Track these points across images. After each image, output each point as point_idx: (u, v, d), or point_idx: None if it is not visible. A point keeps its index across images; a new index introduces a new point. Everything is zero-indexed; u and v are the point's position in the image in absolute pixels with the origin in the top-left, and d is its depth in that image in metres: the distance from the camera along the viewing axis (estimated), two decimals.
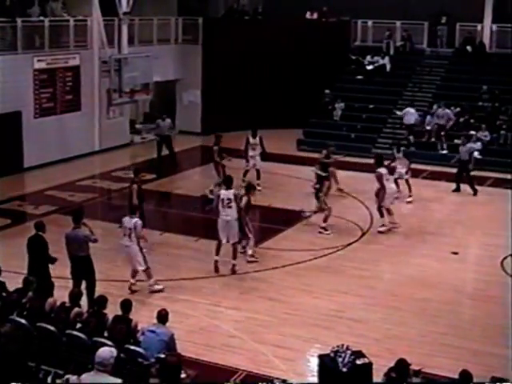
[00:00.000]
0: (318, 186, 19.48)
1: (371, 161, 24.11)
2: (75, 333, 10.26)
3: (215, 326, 13.55)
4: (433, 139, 27.22)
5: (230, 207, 15.56)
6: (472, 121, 27.30)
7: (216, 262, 15.87)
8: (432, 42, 31.85)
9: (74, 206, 20.11)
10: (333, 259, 17.19)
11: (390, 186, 19.19)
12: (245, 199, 16.48)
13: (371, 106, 29.64)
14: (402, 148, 22.17)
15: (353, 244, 18.25)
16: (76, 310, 10.82)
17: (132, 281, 14.99)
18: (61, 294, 11.94)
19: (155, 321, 10.65)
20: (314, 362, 11.35)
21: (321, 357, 10.58)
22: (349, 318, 13.92)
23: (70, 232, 13.65)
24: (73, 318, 10.69)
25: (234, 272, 15.89)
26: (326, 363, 10.28)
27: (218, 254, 15.92)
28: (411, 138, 27.55)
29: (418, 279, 16.10)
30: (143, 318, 11.26)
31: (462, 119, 27.46)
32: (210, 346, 12.72)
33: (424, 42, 31.99)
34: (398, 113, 28.58)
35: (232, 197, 15.63)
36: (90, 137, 27.38)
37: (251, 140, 22.70)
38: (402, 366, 9.34)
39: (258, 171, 22.80)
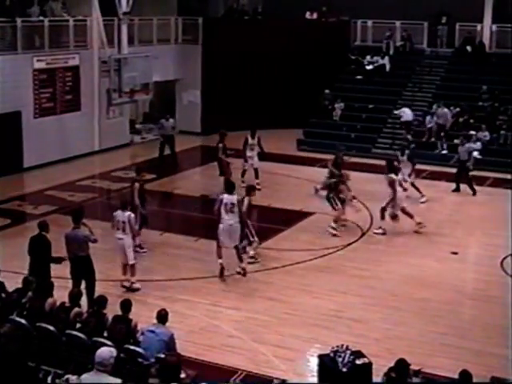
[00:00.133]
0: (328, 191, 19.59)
1: (371, 161, 24.28)
2: (75, 333, 10.25)
3: (215, 326, 13.54)
4: (433, 139, 27.22)
5: (232, 212, 15.44)
6: (472, 121, 27.30)
7: (222, 265, 15.59)
8: (432, 41, 31.85)
9: (73, 205, 20.09)
10: (333, 259, 17.19)
11: (398, 189, 19.15)
12: (246, 200, 16.50)
13: (371, 106, 29.65)
14: (407, 151, 22.07)
15: (353, 244, 18.25)
16: (76, 310, 10.82)
17: (123, 277, 14.99)
18: (60, 294, 11.91)
19: (155, 321, 10.64)
20: (313, 362, 11.35)
21: (320, 357, 10.59)
22: (349, 318, 13.91)
23: (69, 232, 13.64)
24: (72, 317, 10.69)
25: (244, 274, 15.76)
26: (326, 363, 10.29)
27: (221, 257, 15.72)
28: (408, 136, 27.52)
29: (417, 279, 16.10)
30: (143, 318, 11.24)
31: (461, 119, 27.46)
32: (209, 345, 12.71)
33: (424, 41, 31.99)
34: (395, 112, 28.62)
35: (235, 202, 15.54)
36: (90, 137, 27.39)
37: (250, 140, 22.75)
38: (401, 365, 9.33)
39: (256, 170, 22.85)
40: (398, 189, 19.05)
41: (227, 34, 31.12)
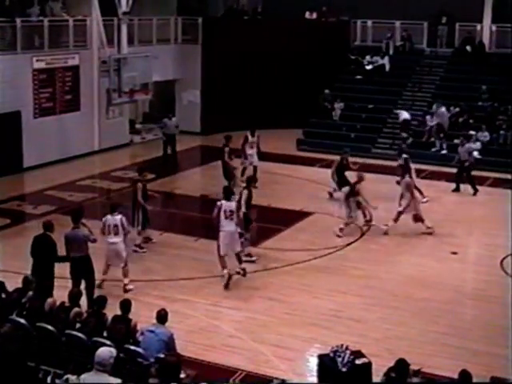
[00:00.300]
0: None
1: (371, 161, 24.28)
2: (75, 333, 10.24)
3: (215, 326, 13.55)
4: (432, 139, 27.22)
5: (232, 219, 15.34)
6: (471, 121, 27.30)
7: (229, 275, 15.33)
8: (431, 41, 31.84)
9: (73, 205, 20.09)
10: (332, 259, 17.19)
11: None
12: (245, 193, 16.51)
13: (370, 106, 29.65)
14: (404, 155, 22.13)
15: (352, 244, 18.25)
16: (75, 309, 10.80)
17: (125, 281, 15.01)
18: (60, 294, 11.93)
19: (154, 321, 10.64)
20: (313, 362, 11.36)
21: (320, 357, 10.59)
22: (348, 318, 13.92)
23: (69, 232, 13.62)
24: (72, 317, 10.68)
25: (244, 274, 15.64)
26: (326, 363, 10.29)
27: (225, 266, 15.43)
28: (403, 134, 27.59)
29: (417, 279, 16.10)
30: (143, 318, 11.24)
31: (461, 119, 27.46)
32: (209, 345, 12.71)
33: (423, 41, 31.97)
34: (396, 111, 28.66)
35: (234, 208, 15.49)
36: (90, 137, 27.38)
37: (250, 138, 22.85)
38: (401, 365, 9.33)
39: (255, 168, 22.90)
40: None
41: (227, 34, 31.10)
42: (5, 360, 8.51)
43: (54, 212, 20.02)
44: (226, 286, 15.25)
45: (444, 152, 26.63)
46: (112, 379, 8.02)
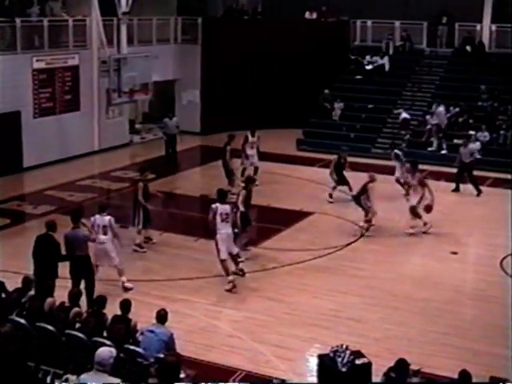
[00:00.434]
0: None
1: (370, 161, 24.26)
2: (74, 333, 10.24)
3: (214, 326, 13.55)
4: (432, 139, 27.22)
5: (227, 221, 15.26)
6: (471, 121, 27.30)
7: (233, 284, 15.19)
8: (431, 41, 31.83)
9: (73, 205, 20.09)
10: (332, 259, 17.19)
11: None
12: (243, 193, 16.53)
13: (370, 106, 29.66)
14: (395, 150, 22.46)
15: (352, 244, 18.25)
16: (75, 309, 10.80)
17: (123, 279, 14.99)
18: (60, 294, 11.92)
19: (154, 321, 10.63)
20: (313, 362, 11.35)
21: (320, 357, 10.57)
22: (348, 318, 13.91)
23: (69, 232, 13.61)
24: (72, 317, 10.67)
25: (243, 274, 15.59)
26: (326, 363, 10.27)
27: (229, 273, 15.33)
28: (403, 132, 27.65)
29: (417, 279, 16.11)
30: (142, 318, 11.23)
31: (461, 119, 27.47)
32: (209, 345, 12.72)
33: (423, 41, 31.97)
34: (395, 111, 28.68)
35: (229, 211, 15.39)
36: (90, 137, 27.38)
37: (250, 138, 22.87)
38: (401, 365, 9.34)
39: (255, 168, 22.98)
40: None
41: (227, 34, 31.10)
42: (5, 360, 8.50)
43: (53, 212, 20.01)
44: (243, 275, 15.38)
45: (444, 152, 26.63)
46: (112, 379, 8.01)
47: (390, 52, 31.62)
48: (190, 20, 31.40)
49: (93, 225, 14.68)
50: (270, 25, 31.90)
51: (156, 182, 23.01)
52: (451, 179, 23.00)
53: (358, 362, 10.15)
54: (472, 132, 26.32)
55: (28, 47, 24.83)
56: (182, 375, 9.43)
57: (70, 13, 27.05)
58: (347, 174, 21.75)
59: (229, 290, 15.12)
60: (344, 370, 10.00)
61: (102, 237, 14.61)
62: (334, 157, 21.80)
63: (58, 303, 11.02)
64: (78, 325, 10.59)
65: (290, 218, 20.22)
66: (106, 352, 8.15)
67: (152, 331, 10.39)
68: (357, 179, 22.84)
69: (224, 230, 15.19)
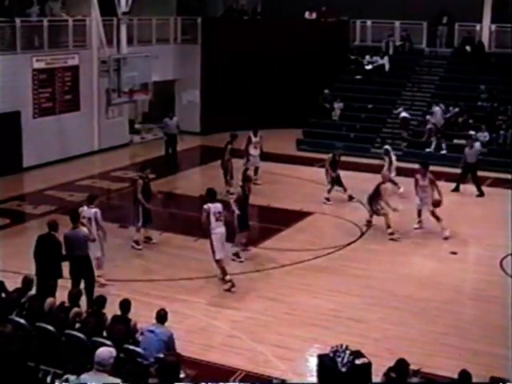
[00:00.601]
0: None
1: (370, 161, 24.26)
2: (74, 333, 10.25)
3: (214, 326, 13.55)
4: (432, 139, 27.22)
5: (221, 220, 15.22)
6: (471, 121, 27.29)
7: (232, 282, 15.19)
8: (431, 41, 31.82)
9: (73, 205, 20.06)
10: (332, 259, 17.18)
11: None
12: (238, 191, 16.57)
13: (370, 106, 29.65)
14: (385, 146, 22.80)
15: (352, 244, 18.24)
16: (75, 309, 10.80)
17: (99, 273, 14.85)
18: (60, 294, 11.93)
19: (154, 321, 10.63)
20: (313, 362, 11.35)
21: (320, 357, 10.58)
22: (348, 318, 13.91)
23: (69, 232, 13.62)
24: (72, 317, 10.68)
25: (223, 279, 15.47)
26: (325, 363, 10.28)
27: (227, 272, 15.32)
28: (404, 133, 27.68)
29: (417, 279, 16.10)
30: (142, 318, 11.23)
31: (460, 119, 27.46)
32: (209, 345, 12.71)
33: (423, 41, 31.96)
34: (395, 111, 28.69)
35: (221, 209, 15.33)
36: (89, 137, 27.38)
37: (253, 139, 22.87)
38: (401, 365, 9.33)
39: (256, 168, 23.03)
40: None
41: (226, 34, 31.08)
42: (5, 360, 8.51)
43: (53, 212, 20.01)
44: (228, 291, 15.20)
45: (443, 152, 26.62)
46: (112, 379, 8.01)
47: (390, 52, 31.60)
48: (190, 20, 31.39)
49: (80, 215, 14.68)
50: (269, 25, 31.89)
51: (156, 182, 23.00)
52: (451, 179, 22.98)
53: (357, 361, 10.16)
54: (472, 132, 26.30)
55: (28, 47, 24.82)
56: (182, 375, 9.45)
57: (69, 13, 27.05)
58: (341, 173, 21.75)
59: (228, 290, 15.11)
60: (344, 370, 10.01)
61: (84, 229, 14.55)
62: (329, 155, 21.74)
63: (57, 303, 11.03)
64: (77, 325, 10.59)
65: (290, 218, 20.22)
66: (106, 352, 8.16)
67: (152, 331, 10.39)
68: (356, 179, 23.00)
69: (218, 230, 15.15)
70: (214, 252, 15.16)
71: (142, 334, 10.48)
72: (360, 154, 26.06)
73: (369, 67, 31.23)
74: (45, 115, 25.41)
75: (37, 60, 24.98)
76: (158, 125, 29.09)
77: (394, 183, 21.84)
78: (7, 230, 19.01)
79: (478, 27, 30.61)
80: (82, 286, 13.35)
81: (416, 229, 19.07)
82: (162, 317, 10.63)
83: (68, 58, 26.22)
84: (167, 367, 8.35)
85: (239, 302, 14.66)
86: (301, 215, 20.44)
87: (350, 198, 21.59)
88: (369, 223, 19.14)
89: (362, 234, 18.92)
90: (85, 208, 14.88)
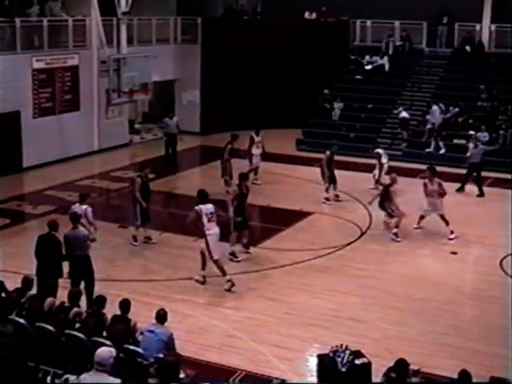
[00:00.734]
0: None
1: (370, 161, 24.21)
2: (74, 333, 10.24)
3: (214, 326, 13.54)
4: (431, 139, 27.22)
5: (214, 221, 15.18)
6: (471, 121, 27.29)
7: (232, 282, 15.17)
8: (431, 41, 31.81)
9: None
10: (332, 259, 17.18)
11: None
12: (234, 190, 16.59)
13: (370, 106, 29.65)
14: (377, 150, 22.70)
15: (352, 244, 18.23)
16: (75, 309, 10.80)
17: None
18: (60, 294, 11.93)
19: (154, 321, 10.63)
20: (313, 362, 11.35)
21: (320, 356, 10.58)
22: (348, 318, 13.91)
23: (69, 232, 13.61)
24: (72, 317, 10.67)
25: (203, 282, 15.31)
26: (325, 363, 10.28)
27: (226, 272, 15.25)
28: (405, 133, 27.68)
29: (417, 279, 16.10)
30: (142, 318, 11.22)
31: (460, 119, 27.46)
32: (208, 345, 12.71)
33: (423, 41, 31.96)
34: (394, 111, 28.70)
35: (213, 210, 15.28)
36: (89, 137, 27.39)
37: (256, 138, 22.89)
38: (401, 365, 9.32)
39: (256, 168, 23.15)
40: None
41: (226, 34, 31.10)
42: (6, 360, 8.50)
43: (53, 212, 20.00)
44: (203, 283, 15.20)
45: (442, 151, 26.58)
46: (112, 379, 8.01)
47: (390, 52, 31.61)
48: (190, 20, 31.40)
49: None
50: (269, 25, 31.89)
51: (156, 182, 23.02)
52: (451, 179, 22.95)
53: (357, 361, 10.17)
54: (472, 132, 26.29)
55: (28, 47, 24.82)
56: (182, 375, 9.45)
57: (69, 13, 27.05)
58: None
59: (228, 290, 15.11)
60: (344, 369, 10.01)
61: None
62: (326, 153, 21.72)
63: (57, 303, 11.02)
64: (77, 325, 10.59)
65: (290, 217, 20.22)
66: (106, 352, 8.15)
67: (152, 331, 10.38)
68: (356, 179, 23.00)
69: (212, 231, 15.12)
70: (210, 253, 15.13)
71: (141, 333, 10.47)
72: (360, 153, 26.04)
73: (369, 67, 31.25)
74: (45, 115, 25.41)
75: (37, 60, 24.98)
76: (157, 125, 29.13)
77: (381, 184, 21.95)
78: (7, 230, 19.01)
79: (477, 27, 30.62)
80: (82, 286, 13.35)
81: (416, 228, 19.03)
82: (161, 317, 10.62)
83: (68, 58, 26.23)
84: (167, 367, 8.35)
85: (239, 302, 14.66)
86: (301, 215, 20.44)
87: (336, 197, 21.62)
88: (387, 224, 18.97)
89: (362, 233, 18.93)
90: (76, 205, 14.95)
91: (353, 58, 31.82)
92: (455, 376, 9.21)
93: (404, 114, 27.90)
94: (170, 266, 16.48)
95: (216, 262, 15.20)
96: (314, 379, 10.74)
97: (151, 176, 21.56)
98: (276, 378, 10.83)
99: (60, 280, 13.14)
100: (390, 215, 18.64)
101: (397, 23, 31.95)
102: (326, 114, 29.90)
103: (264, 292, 15.15)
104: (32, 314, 10.71)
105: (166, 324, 10.61)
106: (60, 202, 21.08)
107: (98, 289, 13.56)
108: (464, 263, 17.65)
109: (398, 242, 18.31)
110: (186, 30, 31.53)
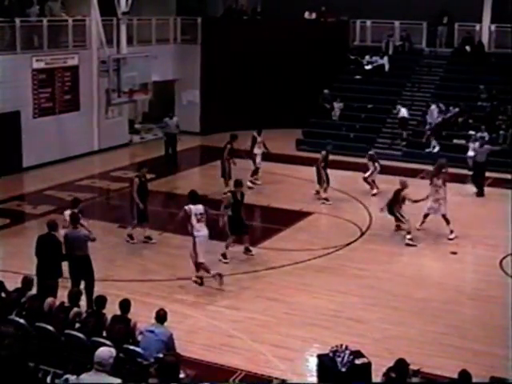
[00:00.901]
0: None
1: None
2: (74, 333, 10.24)
3: (214, 326, 13.53)
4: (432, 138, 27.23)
5: (203, 221, 15.20)
6: (471, 121, 27.29)
7: (218, 274, 15.26)
8: (431, 41, 31.81)
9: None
10: (332, 259, 17.18)
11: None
12: (227, 196, 16.70)
13: (370, 106, 29.65)
14: (370, 152, 22.68)
15: (352, 244, 18.23)
16: (75, 309, 10.80)
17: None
18: (60, 294, 11.93)
19: (154, 321, 10.63)
20: (313, 362, 11.36)
21: (320, 356, 10.59)
22: (348, 318, 13.91)
23: (69, 232, 13.61)
24: (72, 317, 10.67)
25: (201, 283, 15.37)
26: (325, 363, 10.29)
27: (209, 268, 15.31)
28: (404, 133, 27.67)
29: (417, 279, 16.10)
30: (142, 318, 11.22)
31: (460, 119, 27.46)
32: (208, 345, 12.70)
33: (423, 41, 31.95)
34: (394, 111, 28.70)
35: (203, 211, 15.29)
36: (89, 137, 27.39)
37: (258, 138, 22.94)
38: (401, 365, 9.32)
39: (257, 168, 23.08)
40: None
41: (226, 34, 31.11)
42: (6, 360, 8.50)
43: (53, 212, 19.99)
44: (221, 284, 15.21)
45: (435, 150, 26.33)
46: (112, 379, 8.01)
47: (390, 52, 31.60)
48: (190, 20, 31.40)
49: (65, 218, 14.78)
50: (269, 25, 31.88)
51: (156, 182, 23.04)
52: (451, 179, 22.88)
53: (357, 361, 10.18)
54: (472, 132, 26.29)
55: (27, 47, 24.82)
56: (182, 375, 9.44)
57: (69, 13, 27.03)
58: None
59: (220, 284, 15.10)
60: (343, 369, 10.02)
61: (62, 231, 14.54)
62: (322, 153, 21.71)
63: (57, 303, 11.02)
64: (77, 325, 10.59)
65: (290, 217, 20.22)
66: (106, 352, 8.15)
67: (152, 331, 10.38)
68: (356, 179, 22.97)
69: (201, 232, 15.15)
70: (196, 255, 15.18)
71: (141, 333, 10.47)
72: (360, 154, 25.96)
73: (368, 67, 31.24)
74: (45, 115, 25.41)
75: (36, 60, 24.98)
76: (157, 125, 29.13)
77: (372, 186, 22.17)
78: (7, 230, 19.00)
79: (477, 27, 30.61)
80: (82, 286, 13.35)
81: (419, 230, 18.91)
82: (161, 317, 10.62)
83: (68, 58, 26.23)
84: (167, 367, 8.34)
85: (239, 302, 14.65)
86: (300, 215, 20.44)
87: (317, 193, 21.65)
88: (398, 227, 18.93)
89: (362, 234, 18.93)
90: (68, 211, 14.88)
91: (353, 57, 31.83)
92: (455, 376, 9.21)
93: (403, 114, 27.87)
94: (170, 266, 16.48)
95: (201, 264, 15.21)
96: (314, 379, 10.75)
97: (151, 176, 21.59)
98: (276, 378, 10.82)
99: (60, 280, 13.14)
100: (400, 220, 18.44)
101: (397, 23, 31.95)
102: (326, 114, 29.90)
103: (264, 292, 15.15)
104: (32, 314, 10.71)
105: (165, 324, 10.61)
106: (60, 202, 21.03)
107: (98, 289, 13.56)
108: (464, 263, 17.66)
109: (415, 245, 18.10)
110: (185, 29, 31.53)
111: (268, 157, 23.72)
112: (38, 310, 10.82)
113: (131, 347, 10.05)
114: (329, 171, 21.73)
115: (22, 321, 10.39)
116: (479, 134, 25.54)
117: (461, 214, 20.70)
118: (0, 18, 24.01)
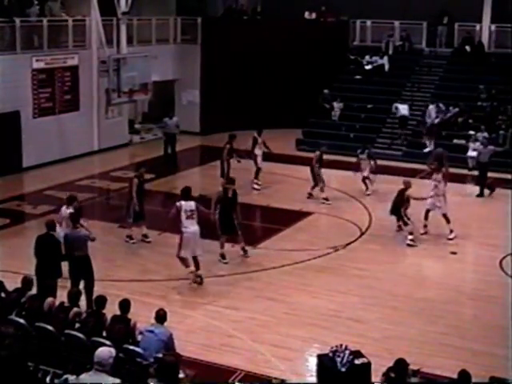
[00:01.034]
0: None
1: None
2: (74, 333, 10.24)
3: (214, 326, 13.53)
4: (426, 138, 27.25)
5: (193, 218, 15.13)
6: (471, 121, 27.28)
7: (195, 273, 15.23)
8: (431, 41, 31.80)
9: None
10: (332, 259, 17.18)
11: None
12: (218, 191, 16.83)
13: (370, 106, 29.64)
14: (367, 150, 22.65)
15: (351, 244, 18.23)
16: (75, 309, 10.80)
17: None
18: (60, 294, 11.92)
19: (154, 321, 10.63)
20: (312, 362, 11.36)
21: (319, 356, 10.58)
22: (348, 318, 13.91)
23: (70, 232, 13.62)
24: (72, 317, 10.67)
25: (201, 282, 15.34)
26: (325, 363, 10.27)
27: (189, 265, 15.26)
28: (401, 131, 27.66)
29: (417, 279, 16.11)
30: (142, 318, 11.22)
31: (460, 119, 27.46)
32: (208, 345, 12.71)
33: (423, 41, 31.94)
34: (393, 110, 28.72)
35: (194, 208, 15.22)
36: (89, 137, 27.38)
37: (259, 139, 22.94)
38: (400, 365, 9.32)
39: (258, 169, 23.07)
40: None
41: (226, 34, 31.10)
42: (6, 360, 8.50)
43: (53, 212, 19.96)
44: (201, 283, 15.19)
45: (428, 149, 26.24)
46: (111, 379, 8.01)
47: (390, 52, 31.59)
48: (190, 20, 31.39)
49: (60, 215, 14.87)
50: (269, 25, 31.88)
51: (155, 182, 23.05)
52: (451, 179, 22.87)
53: (357, 361, 10.16)
54: (472, 132, 26.29)
55: (27, 47, 24.81)
56: (182, 375, 9.43)
57: (69, 13, 27.03)
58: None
59: (195, 282, 15.08)
60: (343, 369, 10.00)
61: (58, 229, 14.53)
62: (316, 153, 21.72)
63: (57, 303, 11.02)
64: (77, 325, 10.58)
65: (290, 218, 20.21)
66: (106, 352, 8.15)
67: (151, 331, 10.38)
68: (355, 179, 22.95)
69: (190, 229, 15.08)
70: (178, 248, 15.13)
71: (141, 333, 10.47)
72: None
73: (368, 67, 31.23)
74: (44, 115, 25.41)
75: (36, 60, 24.97)
76: (157, 125, 29.12)
77: (366, 186, 22.21)
78: (7, 230, 19.01)
79: (477, 27, 30.60)
80: (82, 286, 13.35)
81: (422, 234, 18.72)
82: (161, 317, 10.62)
83: (68, 58, 26.22)
84: (166, 367, 8.34)
85: (239, 302, 14.65)
86: (300, 215, 20.44)
87: (310, 195, 21.69)
88: (399, 228, 18.88)
89: (362, 234, 18.93)
90: (63, 208, 14.95)
91: (352, 57, 31.81)
92: (455, 376, 9.21)
93: (403, 112, 27.81)
94: (170, 266, 16.42)
95: (180, 258, 15.17)
96: (314, 379, 10.74)
97: (149, 176, 21.64)
98: (276, 378, 10.82)
99: (60, 280, 13.14)
100: (405, 223, 18.27)
101: (397, 23, 31.94)
102: (326, 114, 29.89)
103: (264, 292, 15.15)
104: (32, 314, 10.71)
105: (165, 324, 10.61)
106: (60, 202, 20.93)
107: (98, 289, 13.55)
108: (464, 263, 17.66)
109: (416, 246, 18.09)
110: (185, 29, 31.52)
111: (268, 157, 23.72)
112: (37, 310, 10.82)
113: (131, 347, 10.05)
114: (329, 171, 21.73)
115: (21, 321, 10.39)
116: (481, 134, 25.57)
117: (461, 214, 20.69)
118: (0, 18, 24.01)
